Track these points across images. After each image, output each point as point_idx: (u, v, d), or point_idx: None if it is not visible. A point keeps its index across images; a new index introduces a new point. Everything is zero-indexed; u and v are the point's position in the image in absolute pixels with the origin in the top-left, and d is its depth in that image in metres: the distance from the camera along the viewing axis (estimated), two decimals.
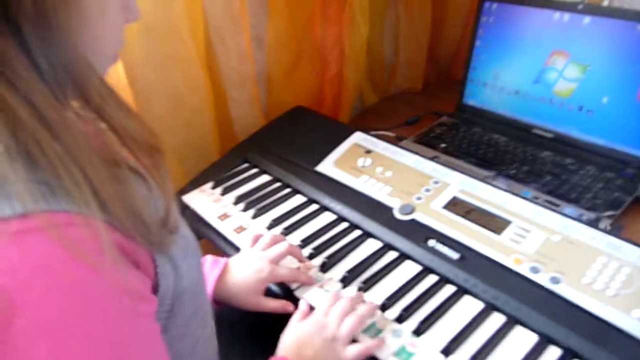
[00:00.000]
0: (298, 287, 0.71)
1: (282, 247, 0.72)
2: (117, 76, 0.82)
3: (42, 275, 0.31)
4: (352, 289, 0.69)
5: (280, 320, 0.66)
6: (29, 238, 0.32)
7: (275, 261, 0.71)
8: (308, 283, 0.71)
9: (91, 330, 0.33)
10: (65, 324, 0.32)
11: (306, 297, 0.69)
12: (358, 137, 0.97)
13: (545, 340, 0.60)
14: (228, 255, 0.78)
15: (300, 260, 0.74)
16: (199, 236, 0.89)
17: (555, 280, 0.65)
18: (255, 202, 0.88)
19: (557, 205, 0.86)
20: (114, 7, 0.40)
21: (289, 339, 0.61)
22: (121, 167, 0.39)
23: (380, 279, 0.71)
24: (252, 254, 0.73)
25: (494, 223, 0.74)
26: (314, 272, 0.73)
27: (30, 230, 0.32)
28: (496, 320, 0.64)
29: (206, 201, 0.90)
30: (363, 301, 0.66)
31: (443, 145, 1.07)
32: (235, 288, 0.69)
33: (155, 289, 0.42)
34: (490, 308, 0.65)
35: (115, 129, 0.39)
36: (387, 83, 1.38)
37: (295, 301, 0.69)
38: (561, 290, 0.64)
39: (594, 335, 0.59)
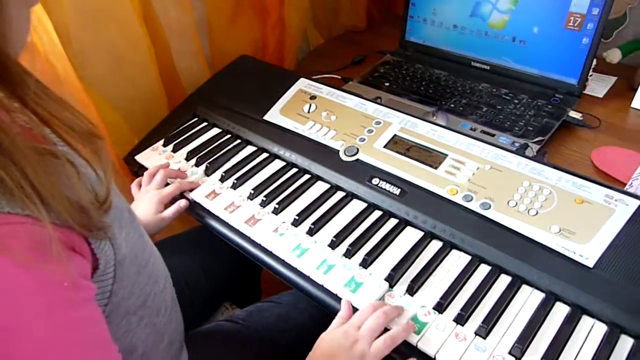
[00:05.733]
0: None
1: (159, 174, 0.84)
2: (49, 40, 0.81)
3: None
4: (303, 228, 0.74)
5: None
6: None
7: (160, 187, 0.83)
8: (194, 186, 0.84)
9: (24, 326, 0.35)
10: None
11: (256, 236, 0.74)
12: (302, 84, 0.99)
13: (477, 260, 0.68)
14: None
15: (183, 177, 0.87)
16: None
17: (485, 206, 0.71)
18: (207, 156, 0.90)
19: (493, 135, 0.92)
20: None
21: (322, 349, 0.60)
22: (57, 156, 0.40)
23: (329, 219, 0.76)
24: (141, 193, 0.83)
25: (432, 158, 0.79)
26: (268, 216, 0.77)
27: None
28: (434, 246, 0.70)
29: (159, 159, 0.92)
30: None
31: (387, 84, 1.10)
32: (143, 222, 0.77)
33: (95, 267, 0.45)
34: (429, 236, 0.72)
35: (48, 121, 0.40)
36: (331, 23, 1.38)
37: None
38: (491, 214, 0.70)
39: (519, 251, 0.66)
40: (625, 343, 0.57)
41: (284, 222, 0.76)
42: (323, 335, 0.62)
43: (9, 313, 0.34)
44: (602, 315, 0.59)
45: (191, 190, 0.84)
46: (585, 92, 1.04)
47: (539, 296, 0.63)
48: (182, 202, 0.82)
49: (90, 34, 0.89)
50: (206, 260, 0.91)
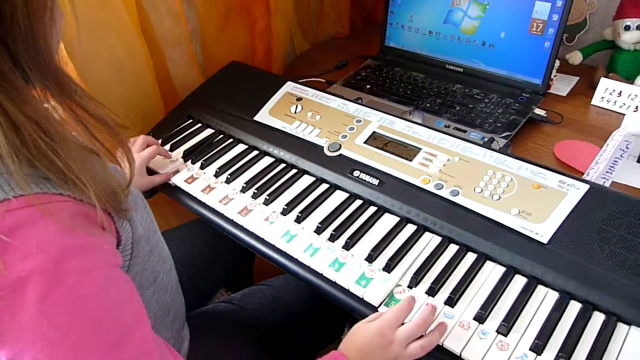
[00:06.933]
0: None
1: (140, 139, 0.95)
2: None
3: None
4: (292, 216, 0.82)
5: None
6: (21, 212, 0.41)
7: (140, 150, 0.92)
8: (167, 156, 0.96)
9: (68, 282, 0.41)
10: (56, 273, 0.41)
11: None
12: (289, 87, 1.07)
13: (446, 240, 0.76)
14: (181, 203, 0.89)
15: (166, 156, 0.97)
16: (155, 189, 0.99)
17: (454, 193, 0.79)
18: (202, 154, 0.98)
19: (465, 131, 1.01)
20: (60, 11, 0.48)
21: (354, 342, 0.62)
22: (93, 151, 0.48)
23: (315, 208, 0.84)
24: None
25: (407, 152, 0.87)
26: (259, 207, 0.85)
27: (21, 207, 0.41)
28: (409, 229, 0.78)
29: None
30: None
31: (368, 86, 1.19)
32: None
33: (119, 242, 0.52)
34: (405, 221, 0.80)
35: (81, 118, 0.47)
36: (316, 30, 1.47)
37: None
38: (459, 200, 0.79)
39: (483, 231, 0.74)
40: (574, 307, 0.65)
41: (274, 212, 0.84)
42: (358, 326, 0.64)
43: (55, 270, 0.41)
44: (554, 284, 0.67)
45: (166, 156, 0.97)
46: (550, 91, 1.13)
47: (500, 270, 0.71)
48: (170, 172, 0.94)
49: (92, 46, 0.96)
50: (203, 251, 0.98)
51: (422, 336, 0.63)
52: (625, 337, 0.61)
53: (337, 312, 0.89)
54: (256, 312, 0.83)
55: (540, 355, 0.60)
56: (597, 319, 0.63)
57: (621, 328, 0.62)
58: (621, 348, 0.60)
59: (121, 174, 0.54)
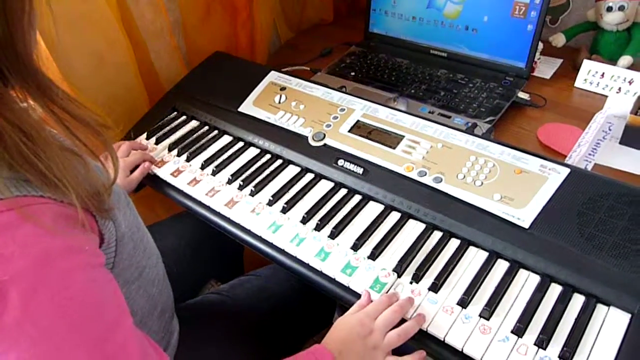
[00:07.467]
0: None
1: (124, 145, 0.95)
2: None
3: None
4: (277, 207, 0.83)
5: None
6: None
7: (124, 156, 0.93)
8: (153, 161, 0.95)
9: (50, 284, 0.42)
10: (36, 274, 0.41)
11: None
12: (273, 76, 1.06)
13: (430, 227, 0.77)
14: (168, 196, 0.89)
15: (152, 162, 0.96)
16: (142, 183, 0.99)
17: (437, 180, 0.80)
18: (187, 147, 0.98)
19: (449, 117, 1.01)
20: (36, 13, 0.47)
21: (337, 334, 0.64)
22: (74, 152, 0.48)
23: (300, 198, 0.84)
24: None
25: (390, 139, 0.88)
26: (245, 198, 0.85)
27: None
28: (393, 217, 0.79)
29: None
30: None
31: (353, 73, 1.18)
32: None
33: (102, 241, 0.53)
34: (389, 209, 0.80)
35: (63, 119, 0.47)
36: (300, 17, 1.46)
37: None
38: (442, 187, 0.79)
39: (466, 218, 0.75)
40: (554, 290, 0.66)
41: (260, 203, 0.84)
42: (340, 319, 0.66)
43: (37, 273, 0.41)
44: (536, 268, 0.68)
45: (152, 162, 0.96)
46: (534, 74, 1.13)
47: (483, 255, 0.72)
48: (145, 164, 0.93)
49: (72, 39, 0.95)
50: (192, 243, 0.98)
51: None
52: (605, 317, 0.63)
53: (325, 300, 0.90)
54: (245, 302, 0.84)
55: (521, 337, 0.62)
56: (577, 301, 0.65)
57: (600, 309, 0.64)
58: (600, 328, 0.62)
59: (104, 173, 0.54)
